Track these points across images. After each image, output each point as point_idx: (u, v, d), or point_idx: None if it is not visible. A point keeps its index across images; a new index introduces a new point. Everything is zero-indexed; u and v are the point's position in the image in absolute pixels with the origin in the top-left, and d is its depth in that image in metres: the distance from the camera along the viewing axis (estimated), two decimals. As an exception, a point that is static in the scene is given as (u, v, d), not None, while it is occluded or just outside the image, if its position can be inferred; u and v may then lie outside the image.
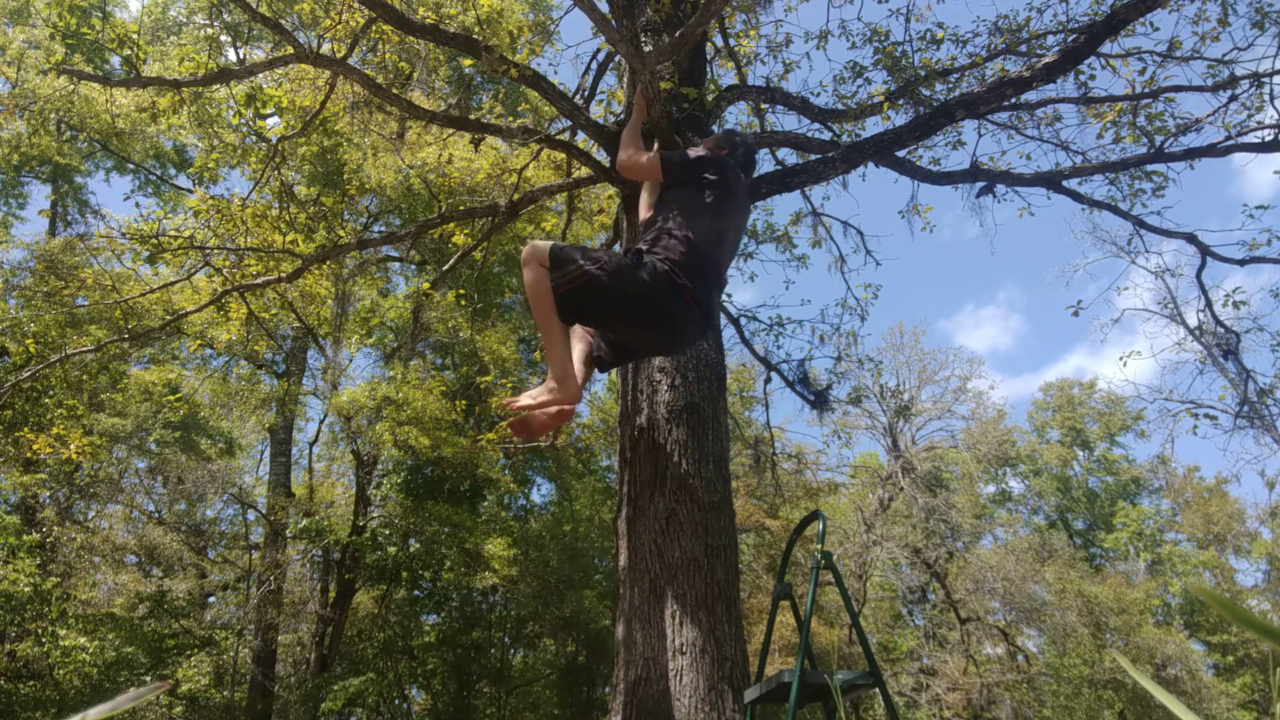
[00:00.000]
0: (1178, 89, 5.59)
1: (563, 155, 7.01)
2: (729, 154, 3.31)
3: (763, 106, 6.64)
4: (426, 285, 8.06)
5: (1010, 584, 19.56)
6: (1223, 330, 6.78)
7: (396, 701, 15.66)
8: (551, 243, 2.84)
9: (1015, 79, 4.86)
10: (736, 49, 7.04)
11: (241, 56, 5.93)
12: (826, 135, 5.90)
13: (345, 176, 12.62)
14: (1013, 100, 5.42)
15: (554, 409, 2.87)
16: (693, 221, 2.95)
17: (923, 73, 5.57)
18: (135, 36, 5.54)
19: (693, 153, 3.25)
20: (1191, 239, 6.12)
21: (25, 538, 10.88)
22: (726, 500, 3.92)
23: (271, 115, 7.17)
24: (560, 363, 2.86)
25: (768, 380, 8.14)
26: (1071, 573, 21.61)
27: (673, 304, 2.82)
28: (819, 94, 9.09)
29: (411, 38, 5.68)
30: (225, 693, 13.80)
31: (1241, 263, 6.04)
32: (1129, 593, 21.33)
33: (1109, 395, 29.81)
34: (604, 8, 5.42)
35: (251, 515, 16.51)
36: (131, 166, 17.45)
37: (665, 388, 4.00)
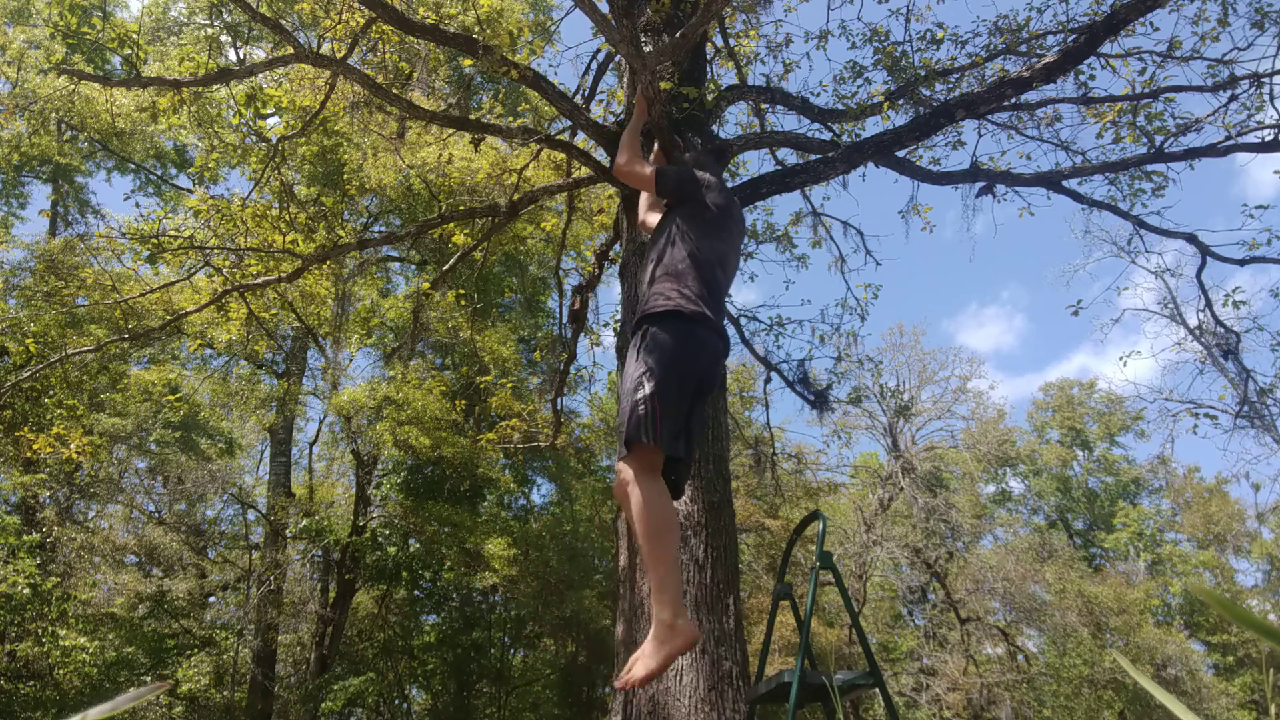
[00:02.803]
0: (1178, 89, 5.59)
1: (563, 155, 7.01)
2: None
3: (763, 106, 6.64)
4: (426, 285, 8.06)
5: (1010, 584, 19.56)
6: (1223, 330, 6.78)
7: (396, 701, 15.66)
8: (632, 444, 2.46)
9: (1015, 79, 4.86)
10: (736, 49, 7.04)
11: (241, 56, 5.93)
12: (826, 135, 5.90)
13: (345, 176, 12.62)
14: (1013, 100, 5.43)
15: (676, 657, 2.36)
16: (696, 244, 2.85)
17: (923, 73, 5.56)
18: (135, 36, 5.55)
19: (689, 164, 3.20)
20: (1191, 239, 6.13)
21: (25, 538, 10.88)
22: (726, 500, 3.91)
23: (271, 115, 7.18)
24: (676, 597, 2.38)
25: (768, 380, 8.14)
26: (1071, 573, 21.61)
27: (712, 342, 2.69)
28: (819, 94, 9.08)
29: (411, 38, 5.68)
30: (225, 693, 13.80)
31: (1241, 263, 6.04)
32: (1129, 593, 21.33)
33: (1109, 395, 29.83)
34: (604, 8, 5.42)
35: (251, 515, 16.52)
36: (132, 166, 17.46)
37: (665, 388, 3.99)
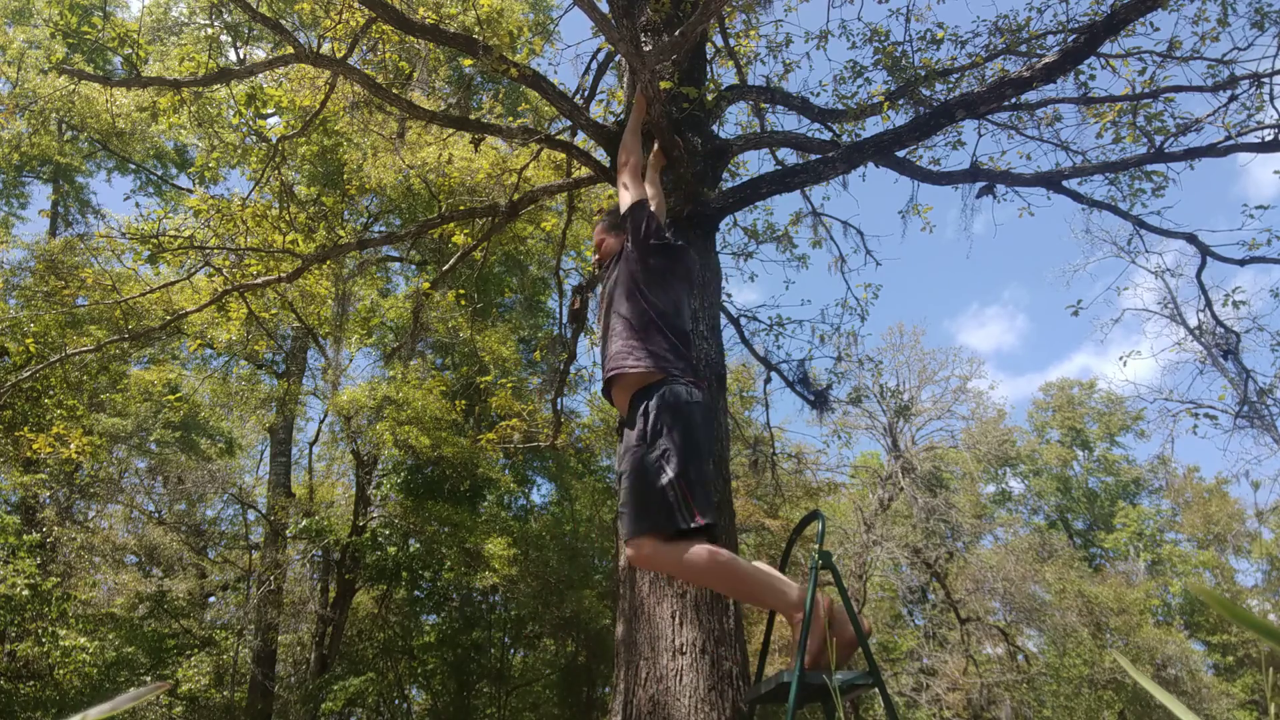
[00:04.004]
0: (1178, 89, 5.59)
1: (563, 155, 7.01)
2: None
3: (763, 106, 6.64)
4: (426, 285, 8.06)
5: (1010, 584, 19.56)
6: (1223, 330, 6.78)
7: (396, 701, 15.67)
8: (648, 525, 2.42)
9: (1015, 79, 4.85)
10: (736, 49, 7.04)
11: (242, 56, 5.93)
12: (826, 135, 5.90)
13: (345, 176, 12.62)
14: (1013, 100, 5.43)
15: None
16: (652, 297, 2.85)
17: (923, 73, 5.56)
18: (136, 36, 5.55)
19: (658, 217, 3.21)
20: (1191, 239, 6.12)
21: (25, 538, 10.88)
22: (726, 500, 3.92)
23: (271, 115, 7.18)
24: (781, 586, 2.40)
25: (768, 380, 8.14)
26: (1071, 573, 21.61)
27: (707, 400, 2.73)
28: (819, 94, 9.10)
29: (411, 38, 5.68)
30: (225, 693, 13.80)
31: (1241, 263, 6.04)
32: (1129, 593, 21.33)
33: (1109, 395, 29.84)
34: (604, 8, 5.42)
35: (251, 515, 16.52)
36: (132, 166, 17.46)
37: (665, 388, 3.99)
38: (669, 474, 2.42)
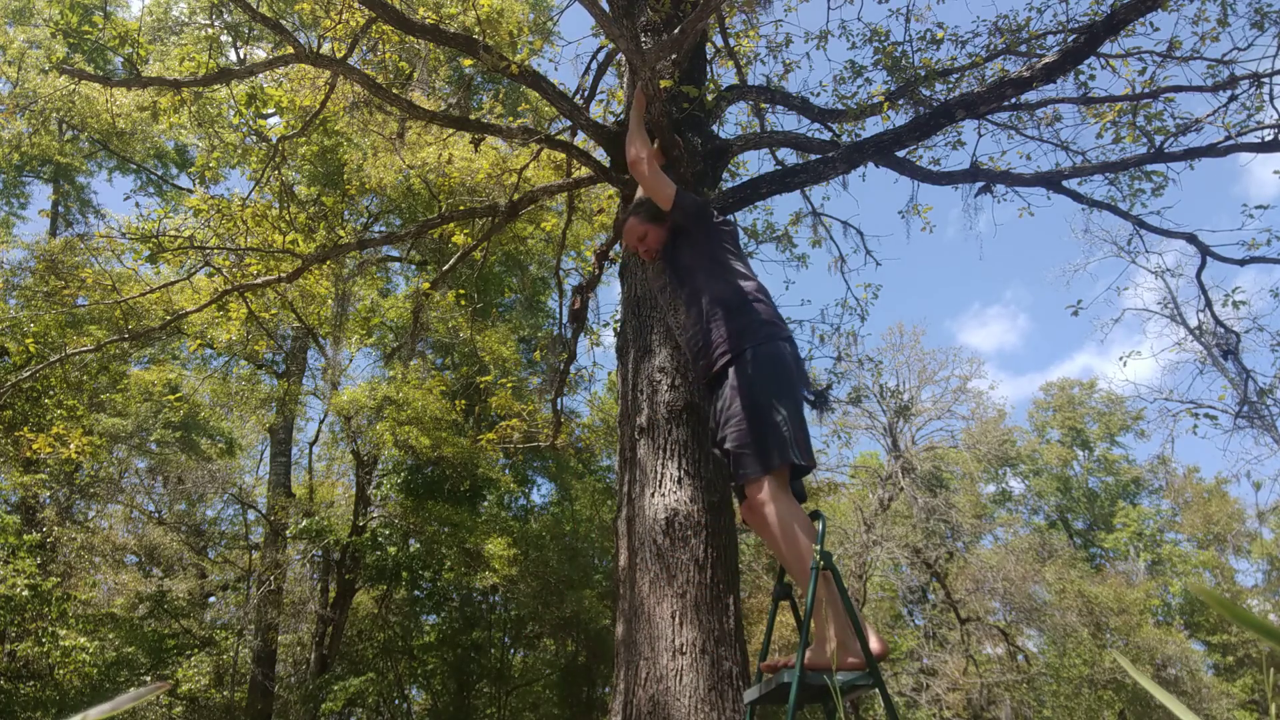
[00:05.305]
0: (1178, 89, 5.58)
1: (563, 155, 7.00)
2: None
3: (763, 106, 6.64)
4: (426, 285, 8.06)
5: (1010, 584, 19.55)
6: (1223, 330, 6.78)
7: (396, 701, 15.67)
8: (773, 466, 2.62)
9: (1015, 79, 4.85)
10: (736, 49, 7.03)
11: (242, 56, 5.93)
12: (826, 135, 5.90)
13: (345, 176, 12.61)
14: (1013, 100, 5.42)
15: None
16: (739, 268, 3.09)
17: (923, 73, 5.56)
18: (136, 36, 5.55)
19: (695, 197, 3.34)
20: (1191, 239, 6.12)
21: (25, 538, 10.88)
22: (726, 500, 3.91)
23: (272, 115, 7.18)
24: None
25: (768, 380, 8.11)
26: (1071, 573, 21.61)
27: (799, 353, 2.97)
28: (819, 94, 9.08)
29: (411, 38, 5.68)
30: (225, 693, 13.80)
31: (1241, 263, 6.04)
32: (1129, 593, 21.32)
33: (1109, 395, 29.85)
34: (604, 6, 5.41)
35: (251, 515, 16.52)
36: (133, 166, 17.46)
37: (665, 388, 3.99)
38: (782, 413, 2.70)
